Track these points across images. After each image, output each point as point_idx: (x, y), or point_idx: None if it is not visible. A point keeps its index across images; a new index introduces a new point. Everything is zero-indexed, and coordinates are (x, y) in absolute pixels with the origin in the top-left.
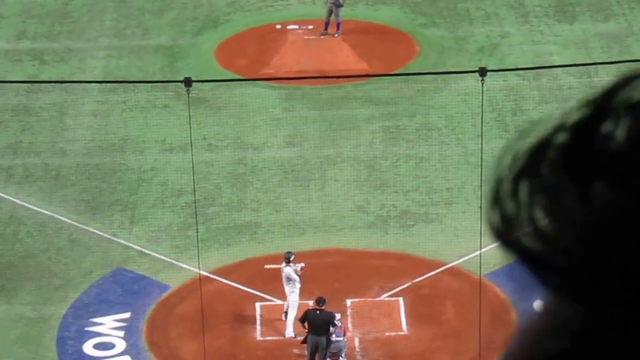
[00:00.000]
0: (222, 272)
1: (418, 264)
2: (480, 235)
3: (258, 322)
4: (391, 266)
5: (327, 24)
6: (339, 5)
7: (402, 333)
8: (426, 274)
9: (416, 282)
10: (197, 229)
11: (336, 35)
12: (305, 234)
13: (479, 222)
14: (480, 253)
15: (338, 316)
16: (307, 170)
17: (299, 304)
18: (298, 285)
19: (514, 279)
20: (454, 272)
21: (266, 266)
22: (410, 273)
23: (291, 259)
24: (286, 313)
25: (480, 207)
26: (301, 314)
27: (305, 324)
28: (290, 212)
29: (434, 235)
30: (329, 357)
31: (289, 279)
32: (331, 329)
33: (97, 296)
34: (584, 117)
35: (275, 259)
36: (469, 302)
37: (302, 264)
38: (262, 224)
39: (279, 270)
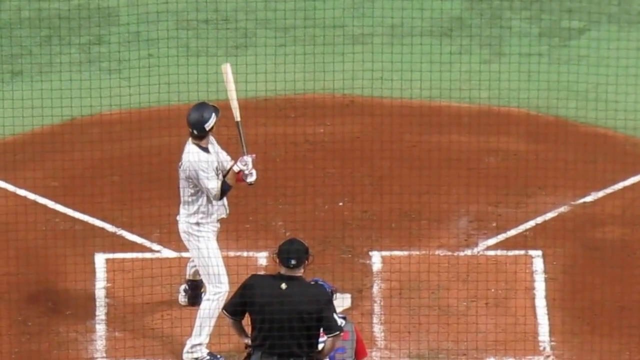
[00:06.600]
0: None
1: None
2: None
3: (101, 307)
4: None
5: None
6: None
7: None
8: None
9: None
10: None
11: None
12: None
13: None
14: None
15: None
16: None
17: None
18: (220, 209)
19: None
20: None
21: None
22: None
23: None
24: (192, 287)
25: None
26: (236, 291)
27: (247, 319)
28: None
29: None
30: None
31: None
32: (322, 336)
33: None
34: None
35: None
36: None
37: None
38: None
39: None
